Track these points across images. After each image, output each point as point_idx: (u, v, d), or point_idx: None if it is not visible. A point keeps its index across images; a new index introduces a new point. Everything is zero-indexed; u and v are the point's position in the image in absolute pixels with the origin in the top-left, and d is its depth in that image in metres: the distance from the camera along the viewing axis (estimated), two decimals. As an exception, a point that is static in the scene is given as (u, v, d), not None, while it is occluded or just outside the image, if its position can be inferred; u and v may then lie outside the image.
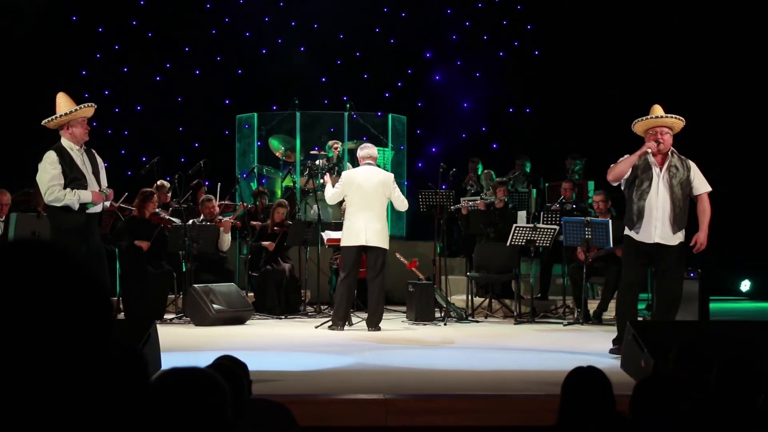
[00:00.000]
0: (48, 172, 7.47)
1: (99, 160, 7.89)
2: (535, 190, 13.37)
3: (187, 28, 15.97)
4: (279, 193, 13.84)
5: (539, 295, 11.50)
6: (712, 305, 10.46)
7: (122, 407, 1.54)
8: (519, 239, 10.50)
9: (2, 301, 1.37)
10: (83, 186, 7.55)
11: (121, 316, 9.87)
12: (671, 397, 3.29)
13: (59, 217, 7.53)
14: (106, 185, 7.85)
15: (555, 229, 10.50)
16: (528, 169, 13.91)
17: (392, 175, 9.87)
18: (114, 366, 1.46)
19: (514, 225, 10.63)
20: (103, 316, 1.45)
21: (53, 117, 7.63)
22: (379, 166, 9.95)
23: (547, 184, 13.61)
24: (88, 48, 15.75)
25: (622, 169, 7.58)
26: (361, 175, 9.59)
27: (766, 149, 14.34)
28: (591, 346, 8.03)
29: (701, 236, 7.56)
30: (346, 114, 14.16)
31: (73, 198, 7.45)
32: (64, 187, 7.49)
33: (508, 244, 10.59)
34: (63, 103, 7.69)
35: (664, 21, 14.96)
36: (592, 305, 10.64)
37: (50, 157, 7.51)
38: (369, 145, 10.14)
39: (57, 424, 1.38)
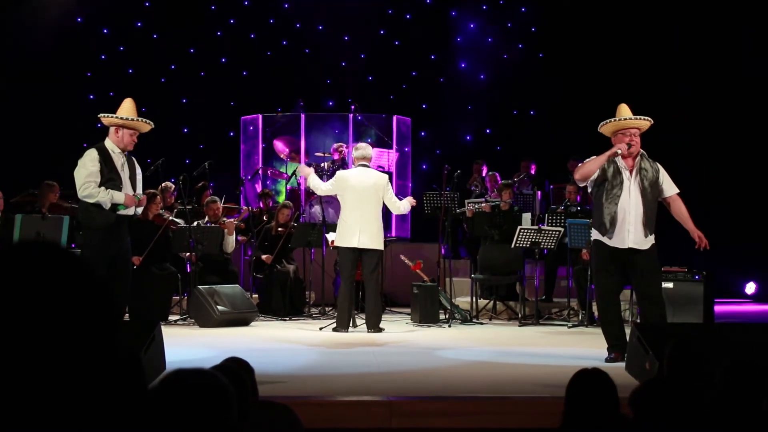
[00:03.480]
0: (87, 168, 7.64)
1: (138, 168, 8.09)
2: (539, 192, 13.36)
3: (191, 30, 15.99)
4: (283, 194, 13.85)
5: (544, 297, 11.49)
6: (717, 308, 10.45)
7: (124, 408, 1.54)
8: (524, 241, 10.49)
9: (7, 302, 1.38)
10: (118, 188, 7.71)
11: (126, 317, 9.87)
12: (675, 399, 3.29)
13: (90, 214, 7.67)
14: (141, 193, 8.03)
15: (560, 231, 10.50)
16: (533, 171, 13.91)
17: (386, 177, 9.84)
18: (115, 367, 1.46)
19: (519, 227, 10.62)
20: (107, 317, 1.45)
21: (113, 115, 7.83)
22: (381, 169, 9.95)
23: (551, 187, 13.60)
24: (93, 49, 15.77)
25: (590, 168, 7.38)
26: (355, 177, 9.58)
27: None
28: (595, 348, 8.01)
29: (699, 233, 7.39)
30: (351, 116, 14.16)
31: (106, 196, 7.61)
32: (99, 186, 7.63)
33: (512, 246, 10.58)
34: (128, 108, 7.92)
35: (667, 22, 14.94)
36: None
37: (91, 155, 7.69)
38: (364, 145, 10.09)
39: (59, 425, 1.38)
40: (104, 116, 7.91)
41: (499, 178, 12.88)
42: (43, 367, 1.37)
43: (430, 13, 16.39)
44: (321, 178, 12.14)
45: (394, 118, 14.72)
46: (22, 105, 14.41)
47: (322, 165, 12.83)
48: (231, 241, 11.06)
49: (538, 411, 5.36)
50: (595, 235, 7.50)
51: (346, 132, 14.37)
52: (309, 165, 13.22)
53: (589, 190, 7.62)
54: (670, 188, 7.46)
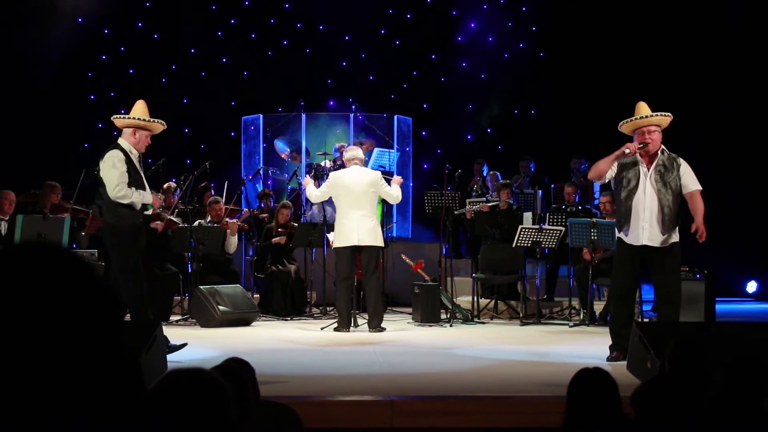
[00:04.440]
0: (117, 168, 7.57)
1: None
2: (540, 191, 13.34)
3: (192, 30, 15.99)
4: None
5: (545, 296, 11.48)
6: (719, 306, 10.44)
7: (122, 409, 1.54)
8: (525, 240, 10.49)
9: (10, 303, 1.38)
10: (143, 188, 7.70)
11: (127, 317, 9.87)
12: (677, 398, 3.29)
13: (118, 215, 7.59)
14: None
15: (561, 231, 10.49)
16: (532, 169, 13.90)
17: (379, 173, 9.95)
18: (116, 368, 1.46)
19: (520, 226, 10.62)
20: (109, 318, 1.45)
21: (129, 116, 7.77)
22: (383, 169, 10.00)
23: (552, 186, 13.59)
24: (94, 49, 15.77)
25: (601, 168, 7.42)
26: (349, 177, 9.67)
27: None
28: (597, 347, 8.01)
29: (701, 227, 7.26)
30: (352, 115, 14.17)
31: (138, 197, 7.60)
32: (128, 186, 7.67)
33: (513, 245, 10.58)
34: (142, 109, 7.85)
35: (667, 22, 14.93)
36: (598, 306, 10.63)
37: (118, 155, 7.61)
38: (353, 147, 10.43)
39: (58, 425, 1.38)
40: (118, 118, 7.86)
41: (500, 178, 12.87)
42: (43, 368, 1.37)
43: (430, 12, 16.38)
44: (322, 177, 12.17)
45: (395, 117, 14.72)
46: (22, 105, 14.41)
47: (323, 165, 12.83)
48: (233, 242, 11.06)
49: (539, 410, 5.36)
50: (617, 232, 7.56)
51: (347, 132, 14.37)
52: (309, 165, 13.25)
53: (612, 187, 7.67)
54: (689, 184, 7.38)
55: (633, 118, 7.45)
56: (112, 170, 7.57)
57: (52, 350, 1.37)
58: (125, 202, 7.56)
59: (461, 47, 16.34)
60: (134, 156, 7.74)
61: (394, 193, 9.89)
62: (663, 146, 7.43)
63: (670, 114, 7.47)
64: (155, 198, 7.89)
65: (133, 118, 7.76)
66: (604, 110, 14.65)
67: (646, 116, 7.40)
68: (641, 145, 7.31)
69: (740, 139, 14.28)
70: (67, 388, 1.38)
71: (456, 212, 11.44)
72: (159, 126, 7.91)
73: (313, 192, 10.00)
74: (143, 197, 7.65)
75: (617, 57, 15.00)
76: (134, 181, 7.64)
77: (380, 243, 9.68)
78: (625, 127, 7.52)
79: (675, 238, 7.35)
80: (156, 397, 1.88)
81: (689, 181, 7.40)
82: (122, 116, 7.85)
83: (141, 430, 1.85)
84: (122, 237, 7.59)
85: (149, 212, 7.95)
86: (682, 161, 7.43)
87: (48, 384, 1.37)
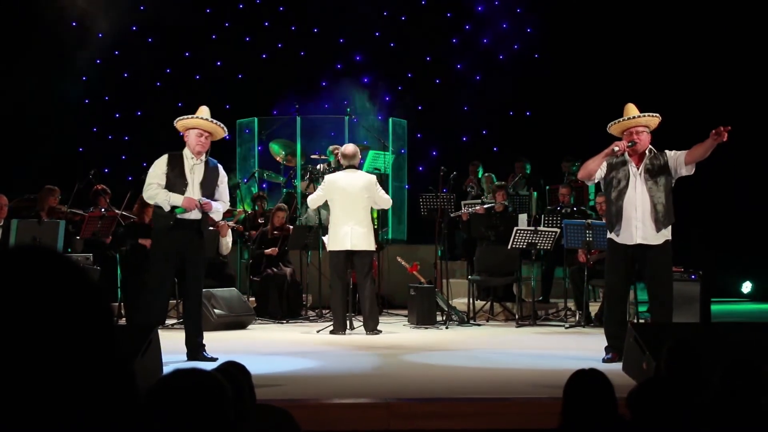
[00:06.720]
0: (152, 170, 7.72)
1: (221, 175, 7.89)
2: (536, 193, 13.35)
3: (186, 33, 15.98)
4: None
5: (540, 298, 11.49)
6: (714, 307, 10.45)
7: (115, 414, 1.54)
8: (520, 242, 10.49)
9: (3, 307, 1.37)
10: (181, 191, 7.60)
11: (123, 321, 9.87)
12: (673, 399, 3.29)
13: (155, 215, 7.80)
14: (226, 201, 7.88)
15: (556, 232, 10.50)
16: (528, 171, 13.91)
17: (374, 177, 9.96)
18: (108, 374, 1.46)
19: (515, 228, 10.63)
20: (101, 324, 1.45)
21: (178, 119, 7.91)
22: (378, 171, 9.99)
23: (547, 187, 13.60)
24: (88, 54, 15.74)
25: (591, 167, 7.45)
26: (344, 180, 9.66)
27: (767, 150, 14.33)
28: (593, 348, 8.01)
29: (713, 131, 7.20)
30: (347, 118, 14.17)
31: (164, 198, 7.56)
32: (165, 189, 7.60)
33: (509, 247, 10.59)
34: (197, 113, 7.91)
35: (664, 22, 14.96)
36: (594, 308, 10.64)
37: (160, 159, 7.77)
38: (353, 146, 10.28)
39: (50, 429, 1.38)
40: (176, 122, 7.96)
41: (495, 179, 12.87)
42: (34, 372, 1.37)
43: (425, 14, 16.39)
44: (317, 180, 12.17)
45: (390, 119, 14.72)
46: (17, 109, 14.38)
47: (318, 167, 12.82)
48: (225, 243, 11.03)
49: (535, 412, 5.36)
50: (608, 233, 7.57)
51: (341, 134, 14.36)
52: (305, 168, 13.25)
53: (602, 188, 7.71)
54: (681, 154, 7.37)
55: (621, 119, 7.48)
56: (148, 172, 7.74)
57: (43, 354, 1.37)
58: (151, 202, 7.74)
59: (456, 49, 16.35)
60: (189, 159, 7.72)
61: (386, 197, 9.92)
62: (651, 146, 7.46)
63: (658, 115, 7.50)
64: (188, 200, 7.51)
65: (177, 121, 7.89)
66: (600, 111, 14.68)
67: (634, 117, 7.44)
68: (630, 144, 7.35)
69: (738, 139, 14.27)
70: (58, 393, 1.38)
71: (452, 215, 11.46)
72: (198, 121, 7.82)
73: (310, 198, 10.03)
74: (170, 198, 7.54)
75: (613, 58, 15.02)
76: (173, 184, 7.59)
77: (373, 247, 9.67)
78: (614, 128, 7.55)
79: (668, 235, 7.38)
80: (156, 396, 1.88)
81: (678, 156, 7.37)
82: (176, 121, 7.93)
83: (143, 428, 1.85)
84: (154, 237, 7.83)
85: (187, 216, 7.56)
86: (665, 151, 7.44)
87: (39, 388, 1.37)
